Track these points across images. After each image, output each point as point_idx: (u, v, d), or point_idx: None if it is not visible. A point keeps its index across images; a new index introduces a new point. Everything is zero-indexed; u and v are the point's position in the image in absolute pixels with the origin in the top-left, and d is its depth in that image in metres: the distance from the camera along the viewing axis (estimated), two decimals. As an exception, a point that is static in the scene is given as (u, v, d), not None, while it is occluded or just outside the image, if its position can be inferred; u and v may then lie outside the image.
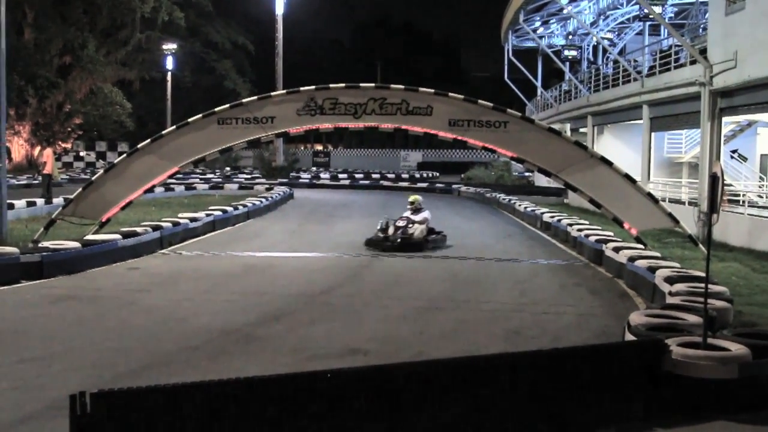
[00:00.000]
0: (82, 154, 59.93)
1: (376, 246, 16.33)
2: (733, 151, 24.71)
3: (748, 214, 17.84)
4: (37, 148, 46.38)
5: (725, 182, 7.08)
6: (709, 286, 7.68)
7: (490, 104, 14.85)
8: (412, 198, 17.70)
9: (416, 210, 17.17)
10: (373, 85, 15.39)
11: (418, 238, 16.53)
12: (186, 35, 56.21)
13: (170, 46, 54.52)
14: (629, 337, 7.27)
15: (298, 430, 4.88)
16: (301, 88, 15.06)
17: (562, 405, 5.82)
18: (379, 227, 17.00)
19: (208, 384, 4.70)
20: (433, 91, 14.94)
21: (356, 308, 10.49)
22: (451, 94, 14.96)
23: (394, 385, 5.21)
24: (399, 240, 16.32)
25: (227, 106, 15.31)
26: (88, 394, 4.35)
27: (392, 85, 15.06)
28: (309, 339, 8.62)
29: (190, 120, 15.17)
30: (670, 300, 9.09)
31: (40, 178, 28.12)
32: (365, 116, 14.81)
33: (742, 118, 22.46)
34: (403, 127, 15.06)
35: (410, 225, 16.74)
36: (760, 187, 24.43)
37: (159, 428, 4.52)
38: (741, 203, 19.10)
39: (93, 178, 15.92)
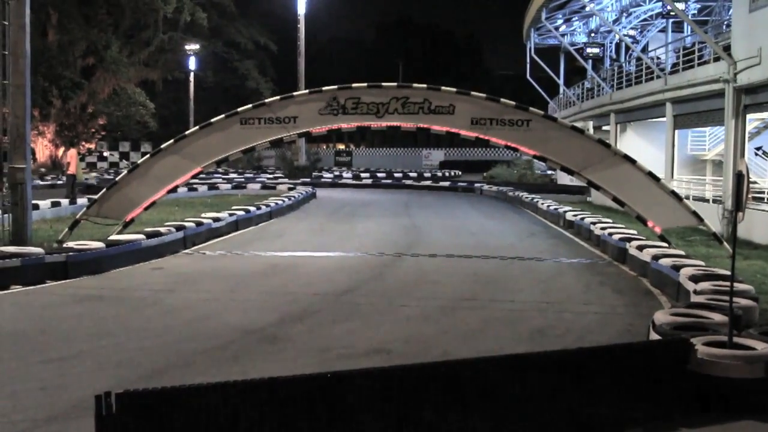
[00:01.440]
0: (105, 154, 60.35)
1: None
2: (758, 149, 24.49)
3: (774, 212, 17.66)
4: (62, 149, 46.80)
5: (750, 180, 7.00)
6: (735, 284, 7.60)
7: (513, 102, 14.81)
8: None
9: None
10: (395, 84, 15.40)
11: None
12: (208, 35, 56.41)
13: (193, 47, 54.79)
14: (654, 336, 7.22)
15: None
16: (324, 88, 15.08)
17: (588, 405, 5.79)
18: None
19: (233, 384, 4.71)
20: (455, 90, 14.93)
21: (379, 308, 10.49)
22: (473, 92, 14.94)
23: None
24: None
25: (250, 106, 15.37)
26: (113, 395, 4.38)
27: (414, 85, 15.06)
28: (332, 339, 8.63)
29: (213, 120, 15.24)
30: (694, 299, 9.02)
31: (64, 178, 28.38)
32: (387, 116, 14.82)
33: (767, 115, 22.24)
34: (426, 126, 15.06)
35: None
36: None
37: (184, 428, 4.54)
38: (766, 201, 18.92)
39: (117, 179, 16.03)
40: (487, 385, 5.43)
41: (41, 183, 34.34)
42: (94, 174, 38.79)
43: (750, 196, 18.01)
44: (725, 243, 14.79)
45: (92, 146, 54.42)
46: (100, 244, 13.17)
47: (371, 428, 5.03)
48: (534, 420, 5.60)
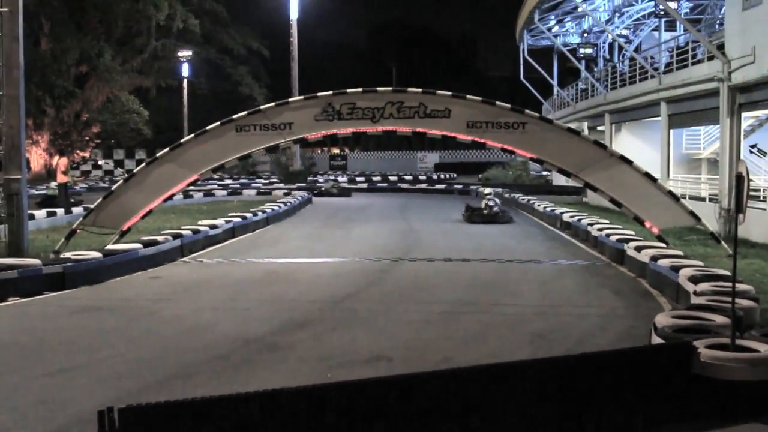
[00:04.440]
0: (100, 162, 60.29)
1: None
2: (752, 146, 24.50)
3: (771, 210, 17.66)
4: (56, 158, 46.72)
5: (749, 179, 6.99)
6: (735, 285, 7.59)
7: (508, 105, 14.81)
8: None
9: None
10: (390, 89, 15.37)
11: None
12: (201, 42, 56.44)
13: (185, 53, 54.79)
14: (656, 339, 7.20)
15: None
16: (319, 94, 15.07)
17: (590, 410, 5.77)
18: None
19: (236, 397, 4.68)
20: (450, 93, 14.93)
21: (379, 314, 10.46)
22: (468, 96, 14.93)
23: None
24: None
25: (245, 113, 15.36)
26: (116, 409, 4.35)
27: (409, 89, 15.05)
28: (333, 346, 8.60)
29: (208, 128, 15.21)
30: (695, 300, 9.00)
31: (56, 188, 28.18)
32: (383, 120, 14.81)
33: (761, 113, 22.27)
34: (421, 130, 15.09)
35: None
36: (780, 182, 24.21)
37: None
38: (762, 199, 18.93)
39: (113, 188, 15.99)
40: (483, 392, 5.42)
41: (36, 192, 34.19)
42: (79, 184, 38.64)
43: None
44: (723, 242, 14.80)
45: (86, 154, 54.36)
46: (97, 254, 13.11)
47: None
48: (537, 427, 5.58)
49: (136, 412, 4.37)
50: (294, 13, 47.91)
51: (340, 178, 52.24)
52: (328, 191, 37.16)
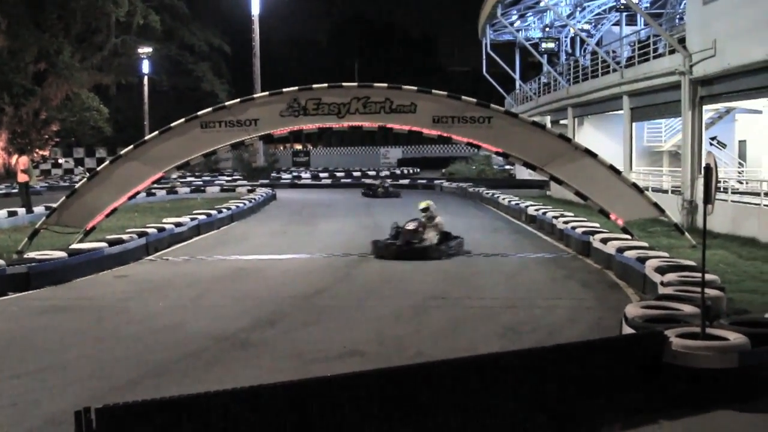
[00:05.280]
0: (60, 161, 59.54)
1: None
2: (712, 139, 24.88)
3: (732, 201, 17.91)
4: (15, 157, 46.01)
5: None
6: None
7: (474, 100, 14.87)
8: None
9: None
10: (356, 84, 15.39)
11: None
12: (162, 38, 55.83)
13: (146, 50, 54.19)
14: (627, 329, 7.28)
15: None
16: (284, 90, 15.01)
17: (566, 400, 5.82)
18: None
19: (215, 394, 4.65)
20: (416, 88, 14.94)
21: (350, 309, 10.45)
22: (434, 91, 14.97)
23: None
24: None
25: (210, 109, 15.25)
26: (93, 409, 4.29)
27: (375, 84, 15.06)
28: (305, 342, 8.57)
29: (172, 125, 15.08)
30: (662, 290, 9.12)
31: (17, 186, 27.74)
32: (349, 116, 14.79)
33: (721, 106, 22.58)
34: (388, 125, 15.08)
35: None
36: (739, 173, 24.59)
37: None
38: (723, 190, 19.19)
39: (76, 186, 15.79)
40: (461, 384, 5.44)
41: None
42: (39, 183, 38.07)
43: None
44: (686, 233, 15.00)
45: (46, 153, 53.62)
46: (61, 254, 12.94)
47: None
48: (513, 418, 5.61)
49: (114, 412, 4.32)
50: (256, 9, 47.71)
51: (303, 175, 52.11)
52: (375, 191, 35.07)
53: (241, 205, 25.31)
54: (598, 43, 36.71)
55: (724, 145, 25.85)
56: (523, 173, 39.08)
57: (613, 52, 30.23)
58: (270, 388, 4.75)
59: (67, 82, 47.59)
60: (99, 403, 4.44)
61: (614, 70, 25.99)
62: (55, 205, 15.52)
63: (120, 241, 14.65)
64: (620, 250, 12.59)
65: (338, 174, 51.57)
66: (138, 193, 16.19)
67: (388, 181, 38.84)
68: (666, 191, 21.88)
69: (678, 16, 30.46)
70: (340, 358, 7.80)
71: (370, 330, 9.17)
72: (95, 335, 9.12)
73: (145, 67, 56.57)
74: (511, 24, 40.81)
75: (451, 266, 14.21)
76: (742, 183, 22.43)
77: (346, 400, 4.96)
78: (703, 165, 6.94)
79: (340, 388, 4.98)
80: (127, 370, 7.50)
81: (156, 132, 15.46)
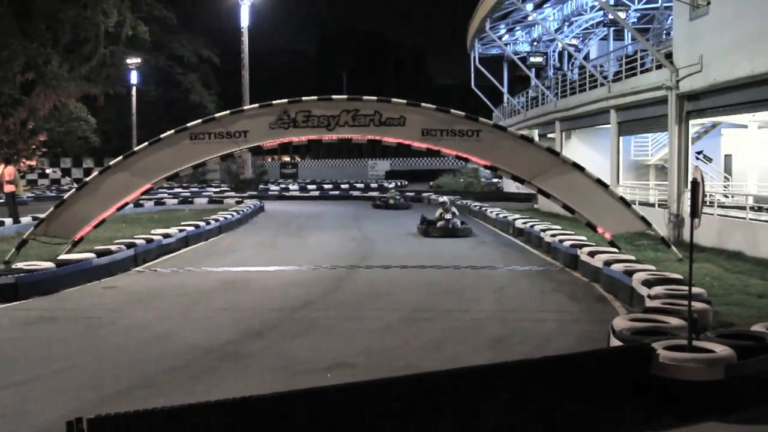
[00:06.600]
0: (47, 171, 59.34)
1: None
2: (699, 153, 25.04)
3: (718, 215, 18.04)
4: (1, 167, 45.80)
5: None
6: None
7: (463, 113, 14.93)
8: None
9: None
10: (345, 97, 15.41)
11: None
12: (150, 49, 55.73)
13: (135, 61, 54.15)
14: (614, 342, 7.33)
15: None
16: (274, 102, 15.04)
17: (554, 413, 5.86)
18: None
19: (204, 405, 4.66)
20: (405, 101, 15.00)
21: (339, 321, 10.47)
22: (423, 104, 15.01)
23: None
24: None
25: (200, 121, 15.26)
26: (85, 420, 4.30)
27: (365, 97, 15.08)
28: (294, 354, 8.59)
29: (162, 136, 15.08)
30: (650, 303, 9.19)
31: (4, 197, 27.62)
32: (338, 128, 14.83)
33: (707, 120, 22.74)
34: (377, 138, 15.13)
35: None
36: (725, 187, 24.77)
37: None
38: (710, 204, 19.32)
39: (65, 197, 15.76)
40: (450, 397, 5.47)
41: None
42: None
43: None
44: (673, 247, 15.09)
45: (33, 163, 53.38)
46: (50, 264, 12.92)
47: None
48: (500, 428, 5.65)
49: (106, 422, 4.33)
50: (245, 21, 47.77)
51: (291, 186, 52.09)
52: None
53: (229, 216, 25.28)
54: (586, 58, 36.93)
55: (710, 160, 26.03)
56: (510, 186, 39.24)
57: (601, 66, 30.42)
58: (259, 400, 4.77)
59: (55, 92, 47.35)
60: (88, 414, 4.45)
61: (602, 85, 26.14)
62: (43, 216, 15.48)
63: (108, 252, 14.63)
64: (608, 263, 12.66)
65: (326, 186, 51.58)
66: (126, 204, 16.15)
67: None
68: (653, 205, 21.99)
69: (665, 32, 30.72)
70: (329, 370, 7.81)
71: (359, 342, 9.20)
72: (84, 346, 9.11)
73: (134, 77, 56.57)
74: (500, 38, 40.97)
75: (439, 278, 14.25)
76: (728, 197, 22.61)
77: (336, 411, 4.98)
78: (690, 179, 6.99)
79: (330, 398, 5.00)
80: (115, 381, 7.49)
81: (145, 143, 15.44)
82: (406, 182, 58.31)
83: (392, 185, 43.78)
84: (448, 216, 22.07)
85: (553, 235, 17.21)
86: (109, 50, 50.94)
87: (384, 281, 13.98)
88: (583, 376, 6.04)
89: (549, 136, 34.22)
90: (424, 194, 41.44)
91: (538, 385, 5.82)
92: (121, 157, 15.20)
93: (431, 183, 50.27)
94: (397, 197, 35.86)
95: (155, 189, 17.34)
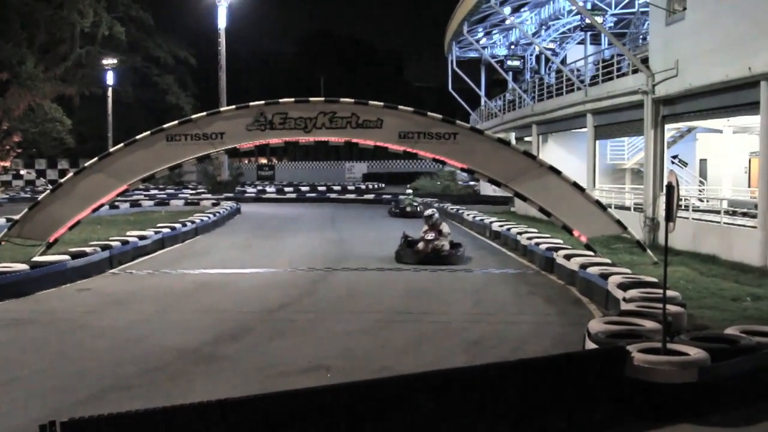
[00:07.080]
0: (21, 172, 58.87)
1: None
2: (674, 157, 25.28)
3: (693, 219, 18.19)
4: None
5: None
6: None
7: (440, 116, 14.98)
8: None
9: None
10: (322, 99, 15.40)
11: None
12: (127, 50, 55.56)
13: (111, 61, 53.92)
14: (590, 344, 7.37)
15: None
16: (251, 104, 15.02)
17: (528, 414, 5.88)
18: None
19: (180, 408, 4.64)
20: (383, 104, 15.02)
21: (315, 323, 10.46)
22: (400, 106, 15.05)
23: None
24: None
25: (176, 122, 15.22)
26: (58, 423, 4.26)
27: (342, 99, 15.09)
28: (270, 356, 8.57)
29: (138, 137, 15.02)
30: (625, 306, 9.24)
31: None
32: (315, 130, 14.83)
33: (683, 125, 22.94)
34: (354, 140, 15.17)
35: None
36: (700, 191, 24.98)
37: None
38: (685, 208, 19.48)
39: (39, 198, 15.63)
40: (424, 398, 5.48)
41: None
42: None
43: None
44: (648, 250, 15.20)
45: (7, 164, 52.98)
46: (23, 266, 12.79)
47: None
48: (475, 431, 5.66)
49: (80, 425, 4.29)
50: (222, 22, 47.60)
51: (268, 189, 51.96)
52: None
53: (205, 218, 25.18)
54: (563, 62, 37.11)
55: (685, 164, 26.28)
56: (487, 189, 39.37)
57: (578, 70, 30.59)
58: (235, 402, 4.75)
59: (30, 93, 47.07)
60: (62, 417, 4.42)
61: (578, 89, 26.28)
62: (17, 217, 15.36)
63: (83, 254, 14.51)
64: (583, 266, 12.72)
65: (303, 188, 51.52)
66: (102, 205, 16.06)
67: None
68: (628, 208, 22.14)
69: (641, 36, 30.96)
70: (305, 373, 7.79)
71: (335, 344, 9.18)
72: (58, 349, 9.03)
73: (110, 78, 56.27)
74: (477, 41, 41.09)
75: (415, 281, 14.27)
76: (702, 201, 22.80)
77: (313, 414, 4.97)
78: (665, 183, 7.05)
79: (305, 401, 4.99)
80: (90, 384, 7.44)
81: (121, 144, 15.38)
82: (384, 185, 58.35)
83: (409, 190, 34.80)
84: (430, 236, 16.64)
85: (530, 238, 17.27)
86: (85, 50, 50.75)
87: (360, 283, 13.98)
88: (558, 378, 6.07)
89: (526, 139, 34.37)
90: (401, 197, 41.43)
91: (512, 387, 5.84)
92: (96, 159, 15.13)
93: (408, 186, 50.33)
94: (416, 203, 30.27)
95: (131, 190, 17.20)
